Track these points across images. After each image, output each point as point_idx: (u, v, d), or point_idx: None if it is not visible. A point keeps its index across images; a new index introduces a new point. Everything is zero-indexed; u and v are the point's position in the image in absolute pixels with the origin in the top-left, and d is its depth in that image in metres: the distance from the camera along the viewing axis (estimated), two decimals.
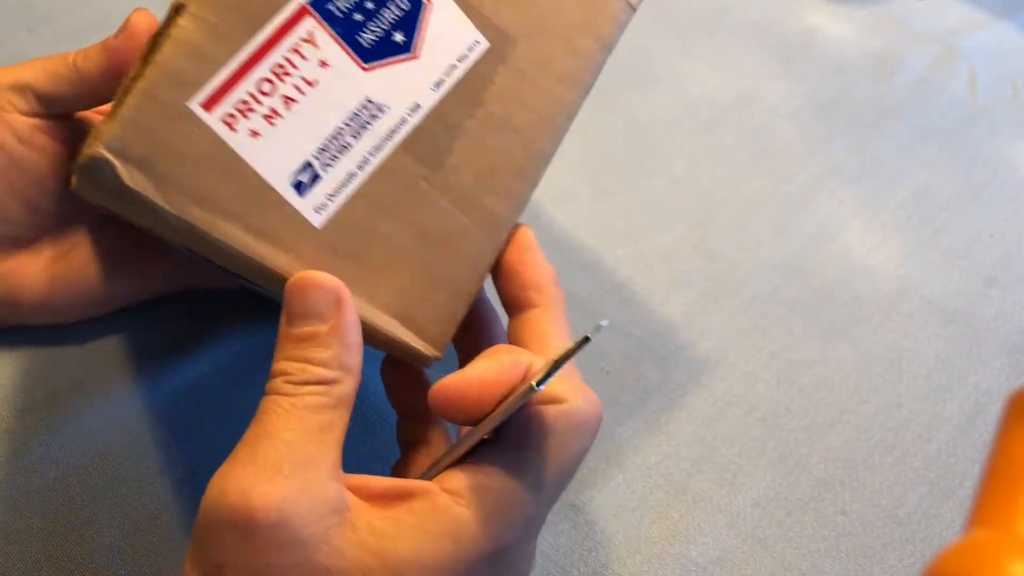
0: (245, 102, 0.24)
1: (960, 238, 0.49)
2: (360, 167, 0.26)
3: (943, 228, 0.49)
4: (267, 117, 0.24)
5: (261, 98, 0.24)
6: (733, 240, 0.47)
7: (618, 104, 0.53)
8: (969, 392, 0.42)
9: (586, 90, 0.30)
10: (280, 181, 0.24)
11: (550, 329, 0.28)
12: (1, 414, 0.34)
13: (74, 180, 0.25)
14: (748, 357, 0.42)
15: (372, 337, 0.27)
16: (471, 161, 0.27)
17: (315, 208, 0.25)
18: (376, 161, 0.26)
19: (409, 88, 0.26)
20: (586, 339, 0.21)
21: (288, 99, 0.24)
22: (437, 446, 0.30)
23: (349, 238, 0.26)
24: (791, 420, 0.40)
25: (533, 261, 0.30)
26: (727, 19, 0.60)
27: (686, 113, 0.53)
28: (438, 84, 0.27)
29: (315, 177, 0.25)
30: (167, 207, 0.24)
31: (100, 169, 0.23)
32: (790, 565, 0.35)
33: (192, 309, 0.38)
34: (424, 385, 0.31)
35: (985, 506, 0.22)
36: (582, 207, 0.47)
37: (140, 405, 0.35)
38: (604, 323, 0.21)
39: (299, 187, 0.25)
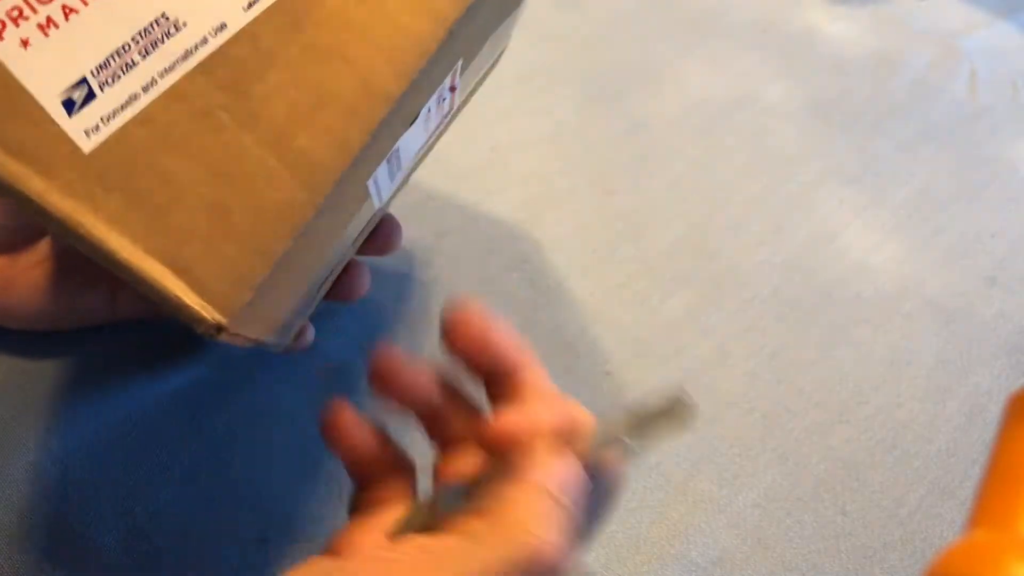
0: (17, 9, 0.21)
1: (960, 238, 0.49)
2: (146, 89, 0.22)
3: (943, 228, 0.49)
4: (41, 26, 0.21)
5: (37, 6, 0.21)
6: (733, 240, 0.47)
7: (618, 104, 0.53)
8: (969, 392, 0.42)
9: (449, 27, 0.25)
10: (47, 96, 0.22)
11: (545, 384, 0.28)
12: (1, 415, 0.34)
13: None
14: (748, 357, 0.42)
15: (143, 286, 0.23)
16: (287, 93, 0.23)
17: (85, 130, 0.22)
18: (164, 84, 0.22)
19: (215, 5, 0.23)
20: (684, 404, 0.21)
21: (69, 9, 0.22)
22: (396, 503, 0.27)
23: (121, 169, 0.22)
24: (791, 420, 0.40)
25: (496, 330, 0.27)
26: (727, 19, 0.60)
27: (686, 113, 0.53)
28: (251, 5, 0.23)
29: (89, 95, 0.22)
30: None
31: None
32: (790, 565, 0.35)
33: None
34: (384, 441, 0.28)
35: (986, 506, 0.22)
36: (582, 207, 0.47)
37: (140, 405, 0.35)
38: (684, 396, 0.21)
39: (69, 105, 0.22)
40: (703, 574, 0.34)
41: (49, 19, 0.22)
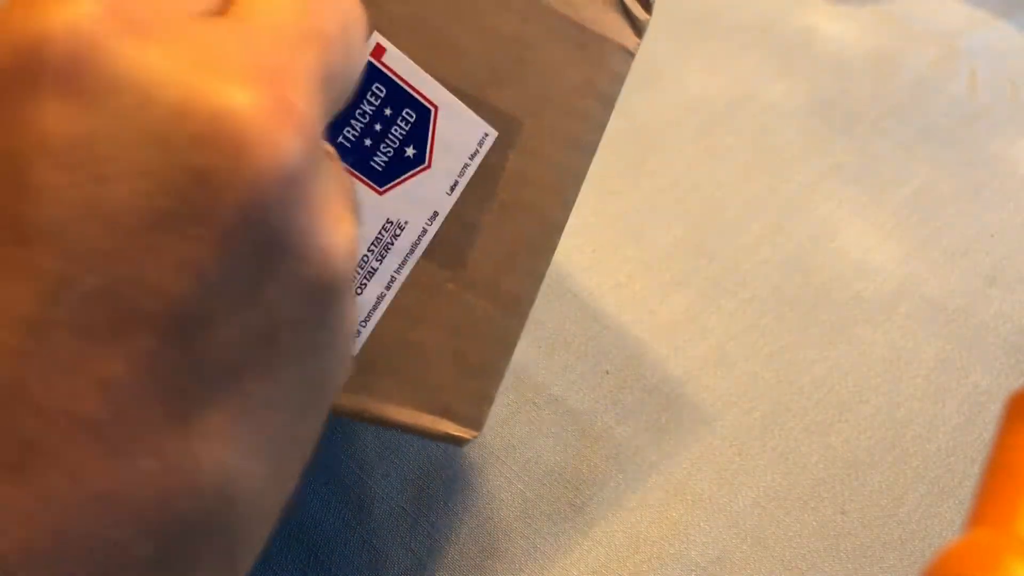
0: None
1: (960, 238, 0.49)
2: (388, 287, 0.26)
3: (943, 228, 0.49)
4: None
5: None
6: (733, 240, 0.47)
7: (618, 104, 0.53)
8: (969, 392, 0.42)
9: (592, 151, 0.29)
10: None
11: None
12: None
13: None
14: (748, 356, 0.42)
15: (416, 432, 0.28)
16: (491, 253, 0.27)
17: None
18: (401, 277, 0.26)
19: (426, 199, 0.26)
20: None
21: None
22: None
23: (385, 355, 0.26)
24: (791, 419, 0.40)
25: None
26: (727, 19, 0.60)
27: (686, 113, 0.53)
28: (453, 187, 0.26)
29: None
30: None
31: None
32: (790, 564, 0.35)
33: None
34: None
35: (985, 506, 0.22)
36: (582, 207, 0.47)
37: None
38: None
39: None
40: (702, 573, 0.34)
41: None
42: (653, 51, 0.57)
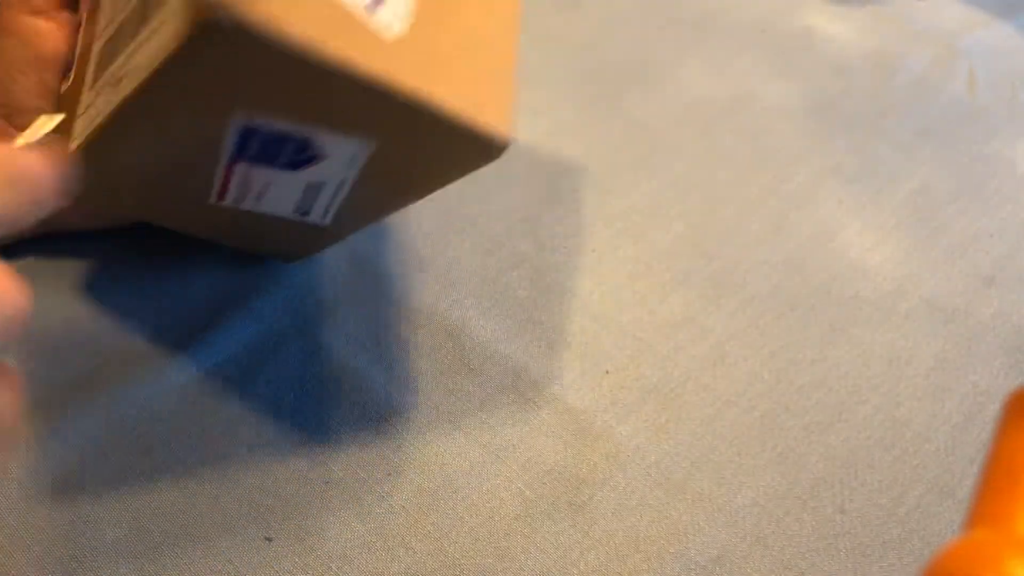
0: None
1: (959, 238, 0.49)
2: None
3: (942, 228, 0.49)
4: None
5: None
6: (733, 239, 0.47)
7: (618, 104, 0.53)
8: (968, 391, 0.42)
9: None
10: (357, 7, 0.28)
11: None
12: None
13: (103, 122, 0.28)
14: (747, 356, 0.42)
15: (451, 132, 0.30)
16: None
17: (385, 25, 0.29)
18: None
19: None
20: None
21: None
22: None
23: (417, 46, 0.30)
24: (790, 419, 0.40)
25: None
26: (726, 19, 0.60)
27: (686, 113, 0.53)
28: None
29: (379, 1, 0.29)
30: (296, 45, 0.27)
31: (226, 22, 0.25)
32: (789, 563, 0.35)
33: (189, 306, 0.38)
34: None
35: (983, 505, 0.22)
36: (582, 207, 0.47)
37: (142, 404, 0.36)
38: None
39: (370, 9, 0.29)
40: (702, 572, 0.35)
41: None
42: (653, 51, 0.57)
